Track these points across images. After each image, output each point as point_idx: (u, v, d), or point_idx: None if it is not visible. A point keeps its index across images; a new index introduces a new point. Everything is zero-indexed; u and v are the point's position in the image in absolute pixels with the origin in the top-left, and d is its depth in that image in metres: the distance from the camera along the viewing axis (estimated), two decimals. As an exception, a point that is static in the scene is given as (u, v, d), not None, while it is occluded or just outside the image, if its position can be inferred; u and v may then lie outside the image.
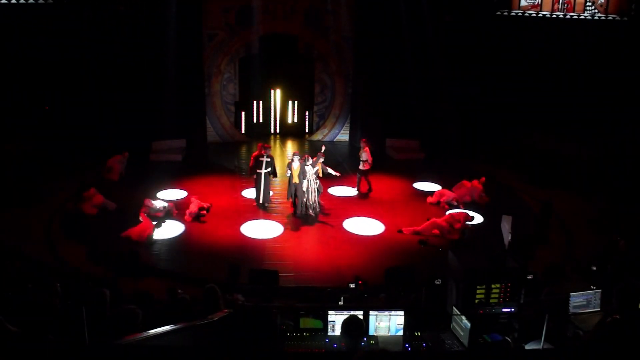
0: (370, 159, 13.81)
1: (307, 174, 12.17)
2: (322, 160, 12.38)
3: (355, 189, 14.23)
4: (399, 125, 18.60)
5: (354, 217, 12.44)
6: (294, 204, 12.42)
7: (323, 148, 12.83)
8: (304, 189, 12.17)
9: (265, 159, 12.75)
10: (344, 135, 20.39)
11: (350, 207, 13.09)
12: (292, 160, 12.47)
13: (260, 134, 19.52)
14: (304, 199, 12.27)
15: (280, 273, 8.98)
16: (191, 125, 18.03)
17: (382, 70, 18.22)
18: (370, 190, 14.02)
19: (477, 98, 17.77)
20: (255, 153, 13.11)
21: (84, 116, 16.17)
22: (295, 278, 9.37)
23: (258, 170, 12.72)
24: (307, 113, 20.73)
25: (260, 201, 12.87)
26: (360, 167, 14.03)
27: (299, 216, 12.23)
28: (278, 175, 13.23)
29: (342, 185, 14.18)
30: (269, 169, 12.79)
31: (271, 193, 13.12)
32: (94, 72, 16.63)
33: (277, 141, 20.07)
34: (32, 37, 16.11)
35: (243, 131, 19.82)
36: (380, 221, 12.17)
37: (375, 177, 15.16)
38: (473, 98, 17.81)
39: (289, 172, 12.44)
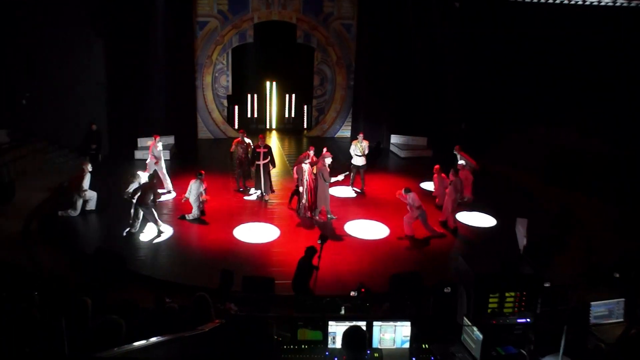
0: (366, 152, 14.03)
1: (305, 173, 12.15)
2: (328, 160, 12.25)
3: (351, 187, 14.35)
4: (404, 121, 18.61)
5: (355, 219, 12.46)
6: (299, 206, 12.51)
7: (325, 149, 12.83)
8: (301, 189, 12.18)
9: (262, 150, 13.09)
10: (345, 131, 20.41)
11: (351, 208, 13.11)
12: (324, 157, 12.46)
13: (255, 129, 19.52)
14: (303, 201, 12.27)
15: (276, 280, 8.95)
16: (180, 120, 18.05)
17: (387, 60, 18.23)
18: (362, 189, 14.16)
19: (488, 90, 17.79)
20: (236, 140, 13.84)
21: (60, 111, 16.14)
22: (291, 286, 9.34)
23: (257, 162, 13.15)
24: (305, 107, 20.75)
25: (263, 192, 13.25)
26: (356, 162, 14.09)
27: (300, 217, 12.34)
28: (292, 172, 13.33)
29: (343, 186, 14.18)
30: (268, 159, 13.14)
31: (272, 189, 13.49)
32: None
33: (274, 137, 20.08)
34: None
35: (236, 127, 19.82)
36: (384, 224, 12.20)
37: (380, 176, 15.18)
38: (484, 90, 17.82)
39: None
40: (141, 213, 11.20)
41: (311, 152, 12.68)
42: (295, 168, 12.66)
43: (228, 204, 13.21)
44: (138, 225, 11.31)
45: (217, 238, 11.30)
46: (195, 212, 12.02)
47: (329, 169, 12.17)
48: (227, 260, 10.16)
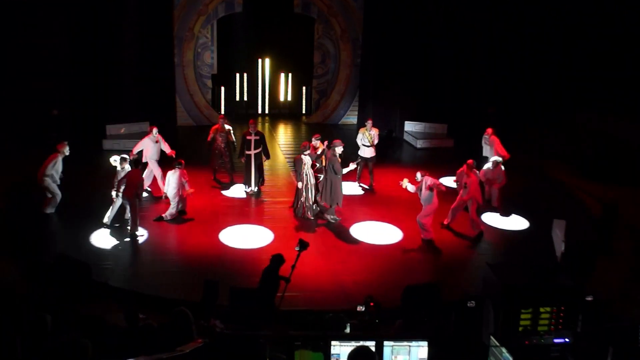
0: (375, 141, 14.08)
1: (305, 167, 12.15)
2: (339, 149, 12.17)
3: (357, 182, 14.40)
4: (421, 105, 18.58)
5: (363, 221, 12.45)
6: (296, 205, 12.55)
7: (325, 143, 12.82)
8: (300, 185, 12.18)
9: (253, 137, 13.17)
10: (350, 117, 20.41)
11: (358, 208, 13.13)
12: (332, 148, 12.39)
13: (245, 115, 19.52)
14: (302, 199, 12.27)
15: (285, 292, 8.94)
16: (156, 104, 18.02)
17: (400, 33, 18.18)
18: (371, 185, 14.24)
19: (520, 70, 17.73)
20: (215, 127, 13.92)
21: (12, 92, 16.12)
22: (289, 298, 9.31)
23: (247, 152, 13.22)
24: (304, 89, 20.71)
25: (252, 186, 13.35)
26: (364, 153, 14.08)
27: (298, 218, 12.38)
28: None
29: (348, 181, 14.16)
30: (260, 149, 13.28)
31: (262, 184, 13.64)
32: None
33: (267, 124, 20.07)
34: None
35: (222, 112, 19.79)
36: (397, 226, 12.19)
37: (392, 171, 15.16)
38: (515, 70, 17.77)
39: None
40: (117, 205, 11.29)
41: (314, 141, 12.67)
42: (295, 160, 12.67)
43: (212, 202, 13.22)
44: (110, 216, 11.47)
45: (200, 242, 11.31)
46: (173, 208, 12.02)
47: (340, 160, 12.18)
48: (211, 268, 10.16)
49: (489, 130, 14.21)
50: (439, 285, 9.04)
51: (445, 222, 12.12)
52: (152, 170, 13.25)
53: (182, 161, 12.07)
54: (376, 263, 10.76)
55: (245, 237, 11.55)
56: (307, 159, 12.21)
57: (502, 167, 12.93)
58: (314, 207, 12.42)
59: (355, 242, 11.61)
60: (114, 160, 11.78)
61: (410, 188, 11.41)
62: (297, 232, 11.80)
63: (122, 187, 11.17)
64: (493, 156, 13.24)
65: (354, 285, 9.85)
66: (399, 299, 8.84)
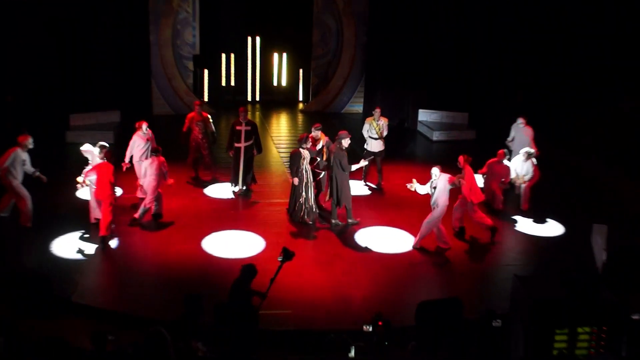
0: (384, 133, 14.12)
1: (304, 163, 12.15)
2: (346, 142, 12.15)
3: (363, 181, 14.46)
4: (438, 91, 18.56)
5: (370, 226, 12.45)
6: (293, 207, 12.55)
7: (326, 139, 12.80)
8: (296, 182, 12.21)
9: (243, 127, 13.13)
10: (355, 105, 20.43)
11: (364, 211, 13.09)
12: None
13: (233, 102, 19.50)
14: (301, 200, 12.26)
15: (262, 310, 8.92)
16: (128, 90, 18.01)
17: (413, 7, 18.18)
18: (379, 184, 14.28)
19: (554, 52, 17.67)
20: (190, 115, 13.99)
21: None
22: (284, 317, 9.33)
23: (236, 144, 13.23)
24: (301, 72, 20.71)
25: (240, 185, 13.37)
26: (372, 147, 14.06)
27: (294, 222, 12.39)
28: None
29: (354, 180, 14.15)
30: (251, 141, 13.32)
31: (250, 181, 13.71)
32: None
33: (258, 113, 20.06)
34: None
35: (206, 99, 19.79)
36: (410, 232, 12.19)
37: (403, 167, 15.18)
38: (548, 52, 17.72)
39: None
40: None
41: (314, 132, 12.63)
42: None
43: (194, 204, 13.21)
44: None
45: (180, 251, 11.30)
46: (148, 203, 12.01)
47: (346, 153, 12.19)
48: (193, 281, 10.13)
49: (523, 120, 14.19)
50: (459, 301, 9.00)
51: (456, 226, 12.10)
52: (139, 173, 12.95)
53: (160, 148, 12.10)
54: (385, 275, 10.73)
55: (233, 245, 11.53)
56: (306, 153, 12.18)
57: (534, 161, 12.93)
58: (314, 210, 12.39)
59: (361, 250, 11.57)
60: (86, 150, 11.68)
61: (421, 190, 11.38)
62: (294, 239, 11.80)
63: (92, 178, 11.12)
64: (523, 148, 13.24)
65: (359, 301, 9.84)
66: (413, 317, 8.81)
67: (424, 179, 11.55)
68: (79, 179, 11.55)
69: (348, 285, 10.35)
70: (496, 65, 18.39)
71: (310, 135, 12.53)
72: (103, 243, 11.21)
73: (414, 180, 11.47)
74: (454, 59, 18.41)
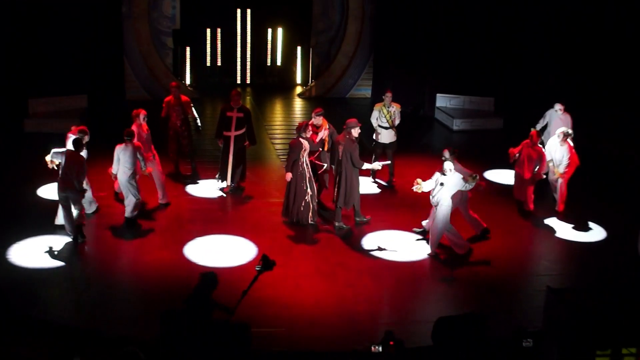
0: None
1: (304, 155, 12.18)
2: (356, 131, 12.18)
3: (372, 178, 14.54)
4: (459, 73, 18.55)
5: (379, 229, 12.45)
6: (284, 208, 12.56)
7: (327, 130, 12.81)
8: (288, 179, 12.25)
9: (235, 114, 13.18)
10: (363, 89, 20.42)
11: (374, 212, 13.09)
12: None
13: (219, 85, 19.50)
14: (307, 198, 12.33)
15: (254, 327, 8.93)
16: (98, 71, 18.00)
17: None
18: (390, 181, 14.35)
19: (590, 27, 17.61)
20: (167, 98, 14.05)
21: None
22: (280, 336, 9.34)
23: (225, 133, 13.19)
24: (299, 50, 20.69)
25: (229, 181, 13.43)
26: (382, 137, 14.12)
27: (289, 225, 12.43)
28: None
29: (360, 175, 14.18)
30: (243, 130, 13.34)
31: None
32: None
33: (249, 98, 20.06)
34: None
35: (188, 81, 19.78)
36: (426, 237, 12.14)
37: (418, 161, 15.17)
38: (584, 27, 17.64)
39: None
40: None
41: (315, 118, 12.66)
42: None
43: (175, 204, 13.22)
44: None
45: (158, 259, 11.29)
46: (133, 196, 12.03)
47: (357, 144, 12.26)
48: (173, 294, 9.96)
49: (561, 108, 14.17)
50: (483, 316, 9.01)
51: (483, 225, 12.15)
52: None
53: (133, 130, 12.15)
54: (397, 287, 10.71)
55: (220, 252, 11.52)
56: (306, 144, 12.19)
57: (571, 143, 12.92)
58: (315, 208, 12.43)
59: (368, 258, 11.55)
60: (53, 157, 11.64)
61: (427, 187, 11.26)
62: (291, 245, 11.83)
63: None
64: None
65: (367, 316, 9.80)
66: (429, 336, 8.81)
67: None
68: (48, 157, 11.53)
69: (353, 299, 10.30)
70: (528, 41, 18.33)
71: (310, 123, 12.53)
72: (76, 237, 11.36)
73: (419, 181, 11.31)
74: (478, 36, 18.35)
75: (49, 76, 17.39)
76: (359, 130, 12.29)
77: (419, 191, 11.33)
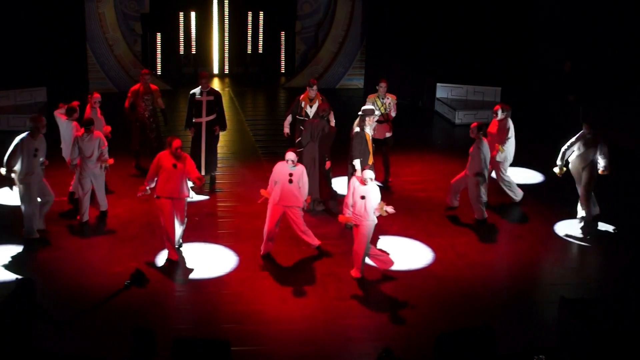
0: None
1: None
2: (374, 119, 12.50)
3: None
4: (461, 61, 18.54)
5: (377, 235, 12.31)
6: None
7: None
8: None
9: (205, 98, 13.37)
10: (354, 78, 20.46)
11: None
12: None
13: (194, 75, 19.46)
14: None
15: (234, 346, 8.88)
16: (58, 61, 17.91)
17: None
18: (386, 181, 14.46)
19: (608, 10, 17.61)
20: (135, 87, 14.34)
21: None
22: (263, 354, 9.27)
23: (196, 119, 13.42)
24: (282, 35, 20.67)
25: (202, 171, 13.48)
26: (376, 132, 14.11)
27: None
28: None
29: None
30: (214, 115, 13.49)
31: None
32: None
33: (227, 89, 20.04)
34: None
35: (159, 71, 19.71)
36: (426, 243, 12.25)
37: (417, 158, 15.12)
38: (602, 10, 17.65)
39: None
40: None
41: (311, 91, 13.24)
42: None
43: (143, 208, 13.13)
44: None
45: (127, 271, 11.13)
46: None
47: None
48: (145, 310, 10.06)
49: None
50: (491, 330, 8.98)
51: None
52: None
53: (76, 103, 12.60)
54: (394, 298, 10.69)
55: (196, 262, 11.50)
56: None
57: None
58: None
59: (365, 267, 11.37)
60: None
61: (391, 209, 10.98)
62: (277, 252, 11.72)
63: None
64: None
65: (362, 332, 9.85)
66: (430, 353, 8.77)
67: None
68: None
69: (346, 312, 10.31)
70: (539, 25, 18.33)
71: (305, 94, 12.77)
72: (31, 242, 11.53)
73: (382, 204, 10.90)
74: (483, 18, 18.36)
75: (4, 67, 17.30)
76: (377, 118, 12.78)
77: (383, 214, 10.97)
